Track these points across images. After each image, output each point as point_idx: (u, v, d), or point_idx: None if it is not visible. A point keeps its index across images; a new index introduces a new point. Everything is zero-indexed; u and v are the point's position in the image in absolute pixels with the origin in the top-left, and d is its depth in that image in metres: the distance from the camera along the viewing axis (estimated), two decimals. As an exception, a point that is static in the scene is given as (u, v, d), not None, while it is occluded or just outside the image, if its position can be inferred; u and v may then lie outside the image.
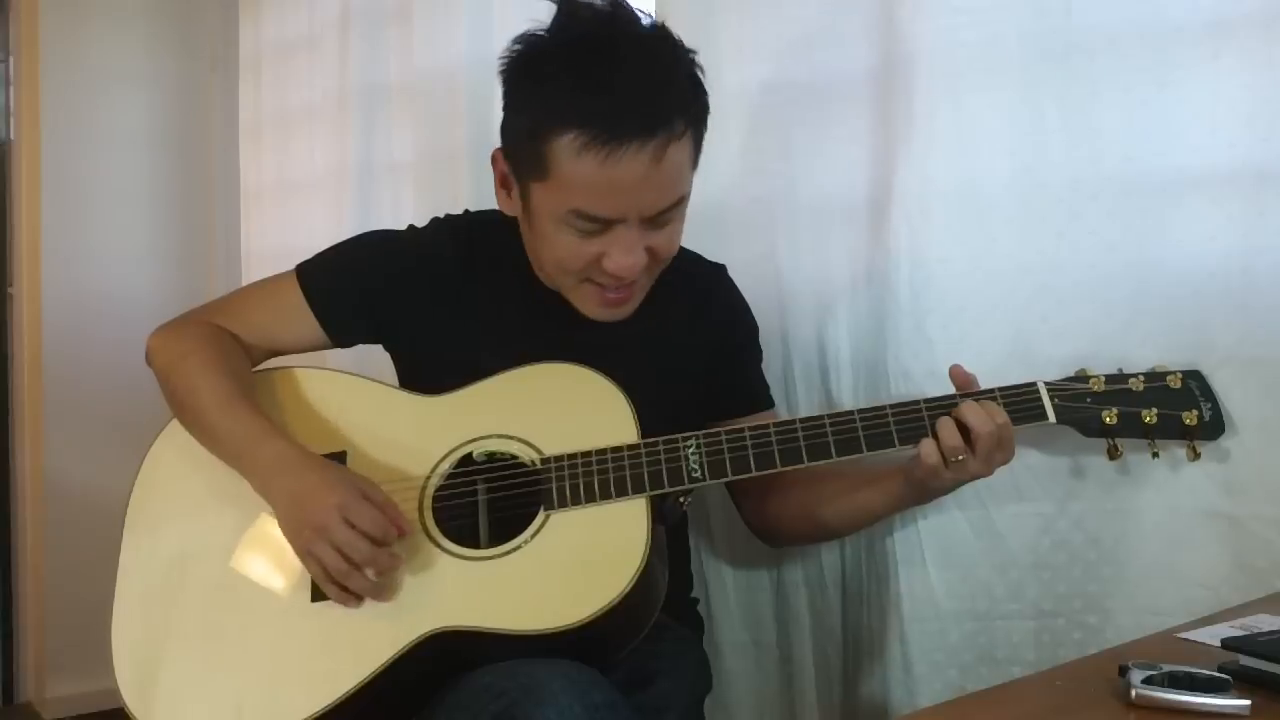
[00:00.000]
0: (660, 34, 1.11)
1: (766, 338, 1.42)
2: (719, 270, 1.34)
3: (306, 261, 1.29)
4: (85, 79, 2.79)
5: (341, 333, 1.28)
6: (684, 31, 1.25)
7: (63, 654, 2.69)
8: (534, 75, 1.09)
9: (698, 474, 1.09)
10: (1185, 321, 1.11)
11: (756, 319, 1.35)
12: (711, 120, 1.25)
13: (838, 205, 1.38)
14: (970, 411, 1.07)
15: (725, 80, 1.47)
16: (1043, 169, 1.18)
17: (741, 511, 1.34)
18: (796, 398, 1.44)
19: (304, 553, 1.07)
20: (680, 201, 1.11)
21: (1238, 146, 1.08)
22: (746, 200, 1.47)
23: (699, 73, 1.12)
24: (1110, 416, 1.08)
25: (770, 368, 1.43)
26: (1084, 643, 1.19)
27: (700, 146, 1.13)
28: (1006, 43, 1.19)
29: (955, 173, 1.23)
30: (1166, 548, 1.14)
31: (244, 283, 2.62)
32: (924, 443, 1.08)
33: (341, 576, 1.05)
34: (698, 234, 1.48)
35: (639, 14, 1.11)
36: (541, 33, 1.09)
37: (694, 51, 1.12)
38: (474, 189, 1.86)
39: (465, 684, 0.99)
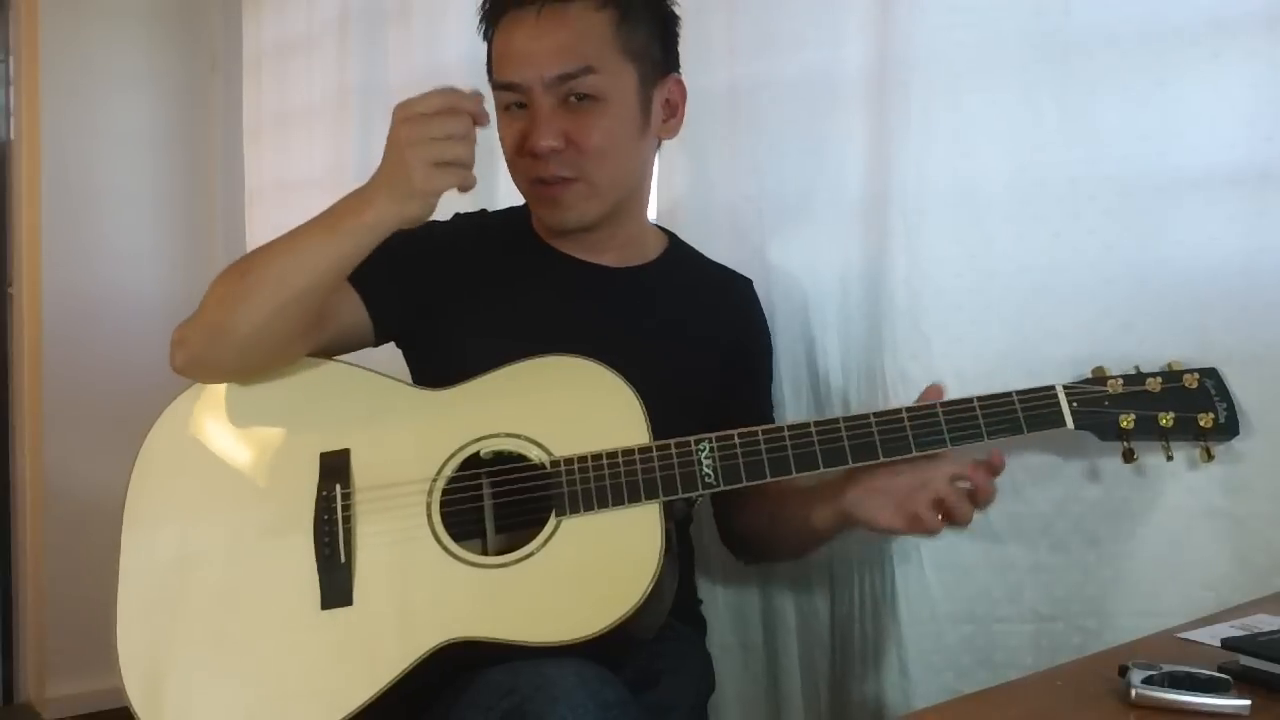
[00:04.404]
0: None
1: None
2: (747, 281, 1.35)
3: None
4: (85, 79, 2.79)
5: (385, 311, 1.22)
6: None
7: (63, 654, 2.69)
8: None
9: (711, 479, 1.07)
10: (1184, 322, 1.10)
11: None
12: (702, 118, 1.26)
13: (831, 204, 1.38)
14: (984, 482, 1.07)
15: (717, 77, 1.47)
16: (1041, 169, 1.17)
17: (717, 521, 1.32)
18: (782, 395, 1.43)
19: (405, 156, 1.01)
20: (588, 71, 1.14)
21: (1238, 146, 1.07)
22: (736, 198, 1.46)
23: None
24: (1127, 421, 1.07)
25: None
26: (1083, 647, 1.18)
27: (634, 36, 1.17)
28: (1005, 42, 1.19)
29: (953, 172, 1.23)
30: (1166, 548, 1.14)
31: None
32: (926, 514, 1.07)
33: (445, 151, 1.00)
34: (685, 231, 1.49)
35: None
36: None
37: None
38: (473, 189, 1.86)
39: (475, 681, 0.99)
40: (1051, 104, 1.17)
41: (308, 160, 2.41)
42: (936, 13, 1.23)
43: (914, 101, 1.25)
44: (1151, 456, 1.12)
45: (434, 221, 1.31)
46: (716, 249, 1.39)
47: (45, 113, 2.74)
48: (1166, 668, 0.74)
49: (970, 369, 1.18)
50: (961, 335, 1.23)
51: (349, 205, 1.04)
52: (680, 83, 1.25)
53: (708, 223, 1.47)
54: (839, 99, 1.36)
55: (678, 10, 1.26)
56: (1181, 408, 1.06)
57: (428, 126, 0.99)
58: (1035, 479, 1.21)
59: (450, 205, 1.34)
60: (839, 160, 1.36)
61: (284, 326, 1.08)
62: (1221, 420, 1.06)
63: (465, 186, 1.03)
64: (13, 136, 2.81)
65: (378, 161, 2.26)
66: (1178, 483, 1.13)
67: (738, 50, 1.46)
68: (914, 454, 1.07)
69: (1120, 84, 1.13)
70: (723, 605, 1.51)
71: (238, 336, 1.07)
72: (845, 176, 1.36)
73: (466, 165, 1.01)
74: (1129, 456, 1.09)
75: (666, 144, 1.51)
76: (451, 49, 1.94)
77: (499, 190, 1.82)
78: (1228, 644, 0.80)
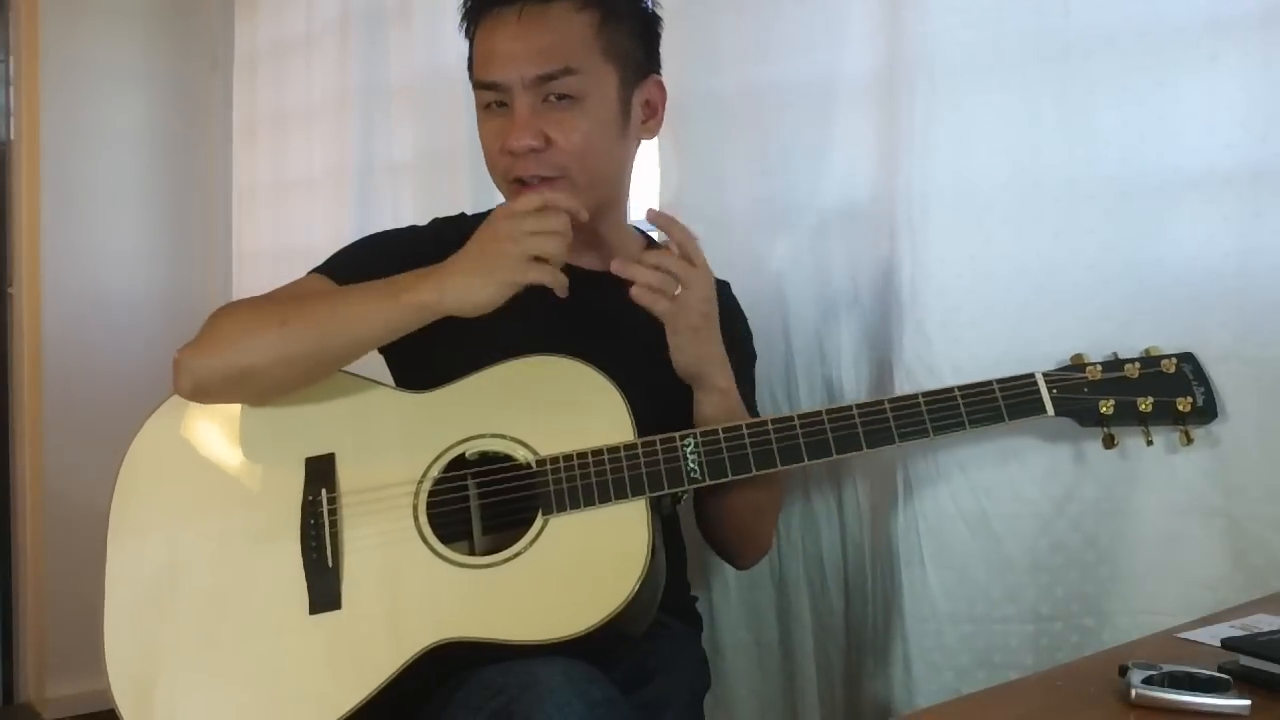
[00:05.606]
0: None
1: (768, 338, 1.42)
2: (724, 284, 1.32)
3: (323, 263, 1.25)
4: (85, 79, 2.80)
5: None
6: (684, 31, 1.27)
7: (63, 654, 2.69)
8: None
9: (696, 474, 1.08)
10: (1182, 321, 1.11)
11: (759, 319, 1.35)
12: (712, 119, 1.26)
13: (839, 205, 1.38)
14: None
15: (726, 80, 1.47)
16: (1039, 169, 1.18)
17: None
18: (799, 398, 1.44)
19: (502, 247, 1.06)
20: (567, 72, 1.14)
21: (1235, 147, 1.07)
22: (748, 201, 1.47)
23: None
24: (1107, 406, 1.09)
25: (773, 368, 1.43)
26: (1081, 646, 1.19)
27: (616, 37, 1.17)
28: (1004, 43, 1.19)
29: (954, 173, 1.23)
30: (1164, 548, 1.14)
31: (239, 284, 2.63)
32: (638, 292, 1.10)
33: (540, 245, 1.05)
34: (700, 235, 1.49)
35: None
36: None
37: None
38: (474, 189, 1.86)
39: (467, 680, 0.99)
40: (1051, 104, 1.17)
41: (306, 161, 2.41)
42: (940, 15, 1.23)
43: (918, 102, 1.25)
44: (1149, 454, 1.13)
45: (415, 227, 1.31)
46: (726, 250, 1.39)
47: (45, 112, 2.74)
48: (1166, 668, 0.74)
49: (970, 368, 1.18)
50: (960, 335, 1.23)
51: (410, 281, 1.07)
52: (660, 84, 1.25)
53: (718, 224, 1.47)
54: (846, 101, 1.36)
55: (679, 13, 1.26)
56: (1160, 392, 1.09)
57: (526, 221, 1.05)
58: (1034, 479, 1.21)
59: (431, 211, 1.35)
60: (847, 161, 1.36)
61: (312, 378, 1.13)
62: (1200, 404, 1.08)
63: (557, 286, 1.07)
64: (13, 137, 2.81)
65: (377, 161, 2.27)
66: (1176, 483, 1.13)
67: (746, 53, 1.46)
68: (897, 444, 1.09)
69: (1119, 84, 1.13)
70: (736, 603, 1.51)
71: (263, 383, 1.12)
72: (854, 177, 1.36)
73: (558, 261, 1.06)
74: (1109, 442, 1.11)
75: (668, 145, 1.51)
76: (452, 49, 1.93)
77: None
78: (1228, 644, 0.80)
